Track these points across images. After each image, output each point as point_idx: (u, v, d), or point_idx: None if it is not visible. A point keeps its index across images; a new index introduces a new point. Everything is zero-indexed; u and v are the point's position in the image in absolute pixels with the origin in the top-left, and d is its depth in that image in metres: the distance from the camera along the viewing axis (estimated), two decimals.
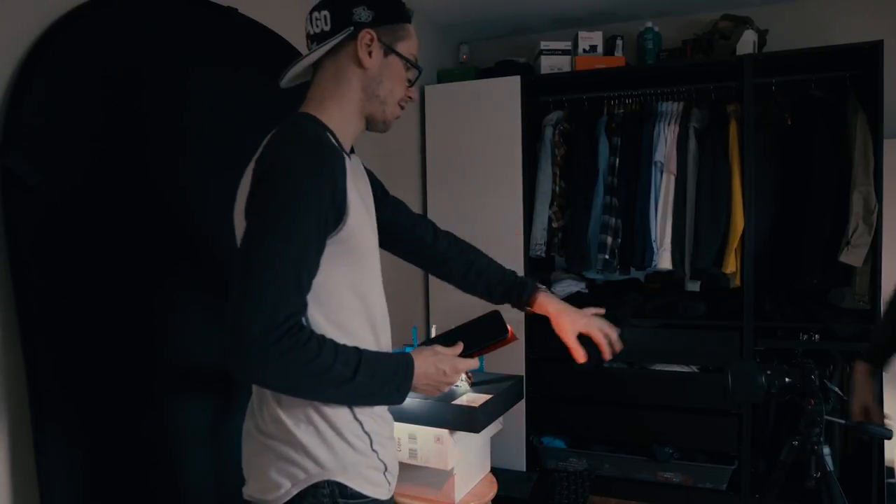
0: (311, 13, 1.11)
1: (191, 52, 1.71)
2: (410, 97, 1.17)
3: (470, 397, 2.00)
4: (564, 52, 3.12)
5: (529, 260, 3.12)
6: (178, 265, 1.63)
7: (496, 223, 3.09)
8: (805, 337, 2.71)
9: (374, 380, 0.97)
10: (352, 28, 1.07)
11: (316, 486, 0.99)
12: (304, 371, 0.90)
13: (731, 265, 2.81)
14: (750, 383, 1.48)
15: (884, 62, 2.55)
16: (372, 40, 1.08)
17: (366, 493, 1.02)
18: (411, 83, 1.15)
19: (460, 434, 1.94)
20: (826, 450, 1.45)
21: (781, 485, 1.57)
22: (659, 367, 3.00)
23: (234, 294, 0.89)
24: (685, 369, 2.95)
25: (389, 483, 1.09)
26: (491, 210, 3.09)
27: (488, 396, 1.98)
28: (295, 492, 0.99)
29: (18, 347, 1.32)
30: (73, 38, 1.41)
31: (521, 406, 3.00)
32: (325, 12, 1.08)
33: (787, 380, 1.45)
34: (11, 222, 1.29)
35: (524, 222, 3.09)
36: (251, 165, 1.01)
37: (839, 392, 1.43)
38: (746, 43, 2.83)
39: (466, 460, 2.04)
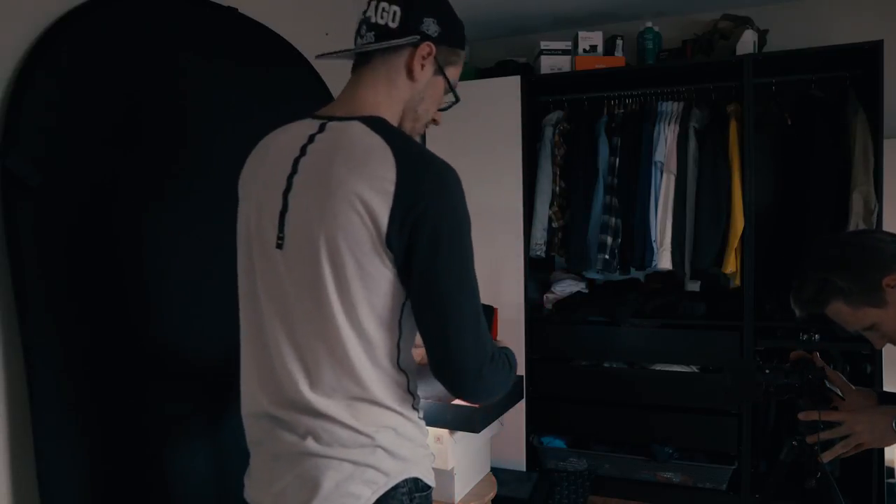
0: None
1: (191, 52, 1.71)
2: (436, 121, 1.15)
3: None
4: (564, 52, 3.12)
5: (529, 260, 3.12)
6: (180, 264, 1.63)
7: (496, 223, 3.09)
8: (805, 337, 2.71)
9: (513, 368, 1.08)
10: (418, 37, 1.04)
11: (395, 488, 1.00)
12: (503, 381, 1.03)
13: (732, 265, 2.81)
14: (749, 383, 1.48)
15: (884, 62, 2.55)
16: (429, 54, 1.06)
17: (430, 483, 1.07)
18: (445, 108, 1.14)
19: (460, 434, 1.95)
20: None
21: (781, 485, 1.57)
22: (659, 367, 3.00)
23: (454, 335, 0.95)
24: (685, 369, 2.95)
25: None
26: (491, 210, 3.09)
27: None
28: (374, 499, 0.99)
29: (19, 348, 1.32)
30: (73, 38, 1.41)
31: (521, 406, 3.00)
32: (396, 8, 1.04)
33: (785, 379, 1.45)
34: (11, 222, 1.29)
35: (524, 222, 3.09)
36: (374, 178, 0.93)
37: (839, 393, 1.43)
38: (746, 43, 2.83)
39: (466, 460, 2.04)
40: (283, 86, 2.06)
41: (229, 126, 1.76)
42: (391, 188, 0.92)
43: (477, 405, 1.10)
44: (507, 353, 1.07)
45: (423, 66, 1.06)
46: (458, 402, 1.96)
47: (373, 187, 0.92)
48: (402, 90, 1.07)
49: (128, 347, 1.50)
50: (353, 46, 1.09)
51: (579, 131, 3.17)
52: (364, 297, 0.95)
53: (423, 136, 3.24)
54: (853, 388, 1.47)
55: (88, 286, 1.43)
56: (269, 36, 2.02)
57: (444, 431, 1.92)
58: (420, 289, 0.95)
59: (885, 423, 1.34)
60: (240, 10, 1.89)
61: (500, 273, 3.11)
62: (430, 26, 1.05)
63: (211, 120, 1.74)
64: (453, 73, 1.11)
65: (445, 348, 0.96)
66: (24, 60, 1.34)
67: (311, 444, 0.98)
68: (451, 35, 1.08)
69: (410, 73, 1.06)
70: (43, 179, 1.33)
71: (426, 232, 0.92)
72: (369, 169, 0.93)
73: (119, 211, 1.51)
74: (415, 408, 1.06)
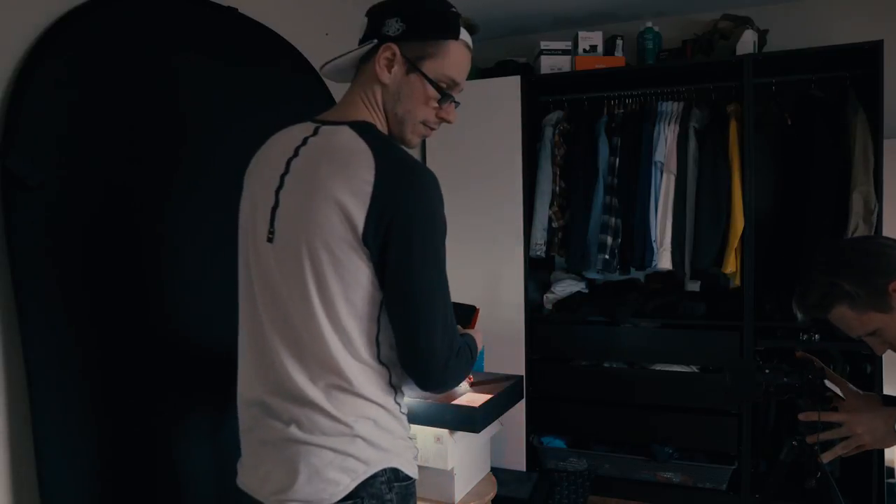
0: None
1: (191, 51, 1.71)
2: (444, 119, 1.13)
3: (470, 397, 2.00)
4: (564, 52, 3.12)
5: (529, 260, 3.12)
6: (184, 262, 1.63)
7: (496, 223, 3.09)
8: (805, 337, 2.71)
9: (474, 357, 1.12)
10: (375, 40, 1.06)
11: (374, 477, 1.03)
12: (465, 370, 1.08)
13: (732, 265, 2.81)
14: (749, 383, 1.48)
15: (884, 62, 2.55)
16: (393, 55, 1.06)
17: (411, 475, 1.10)
18: (440, 104, 1.11)
19: (460, 434, 1.95)
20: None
21: (781, 485, 1.57)
22: (659, 367, 3.00)
23: (424, 331, 0.99)
24: (685, 369, 2.95)
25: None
26: (491, 210, 3.09)
27: (488, 396, 1.98)
28: (353, 486, 1.01)
29: (19, 347, 1.32)
30: (73, 37, 1.42)
31: (521, 406, 3.00)
32: (365, 19, 1.10)
33: (784, 379, 1.45)
34: (11, 222, 1.29)
35: (524, 222, 3.09)
36: (353, 179, 0.96)
37: (838, 393, 1.43)
38: (746, 43, 2.83)
39: (466, 460, 2.04)
40: (283, 86, 2.06)
41: (229, 126, 1.76)
42: (369, 189, 0.96)
43: (441, 392, 1.13)
44: (469, 344, 1.11)
45: (387, 67, 1.07)
46: (458, 401, 1.96)
47: (351, 189, 0.96)
48: (377, 95, 1.09)
49: (129, 346, 1.50)
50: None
51: (579, 131, 3.17)
52: (341, 292, 0.99)
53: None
54: (858, 391, 1.47)
55: (90, 285, 1.43)
56: (269, 36, 2.02)
57: (444, 431, 1.91)
58: (393, 286, 0.99)
59: (886, 425, 1.35)
60: (240, 10, 1.89)
61: (500, 273, 3.11)
62: (392, 26, 1.06)
63: (211, 119, 1.74)
64: (437, 65, 1.08)
65: (415, 344, 1.00)
66: (24, 60, 1.34)
67: (294, 430, 1.02)
68: (420, 29, 1.07)
69: (378, 77, 1.07)
70: (43, 179, 1.33)
71: (400, 232, 0.96)
72: (350, 172, 0.97)
73: (120, 209, 1.51)
74: (397, 401, 1.09)
